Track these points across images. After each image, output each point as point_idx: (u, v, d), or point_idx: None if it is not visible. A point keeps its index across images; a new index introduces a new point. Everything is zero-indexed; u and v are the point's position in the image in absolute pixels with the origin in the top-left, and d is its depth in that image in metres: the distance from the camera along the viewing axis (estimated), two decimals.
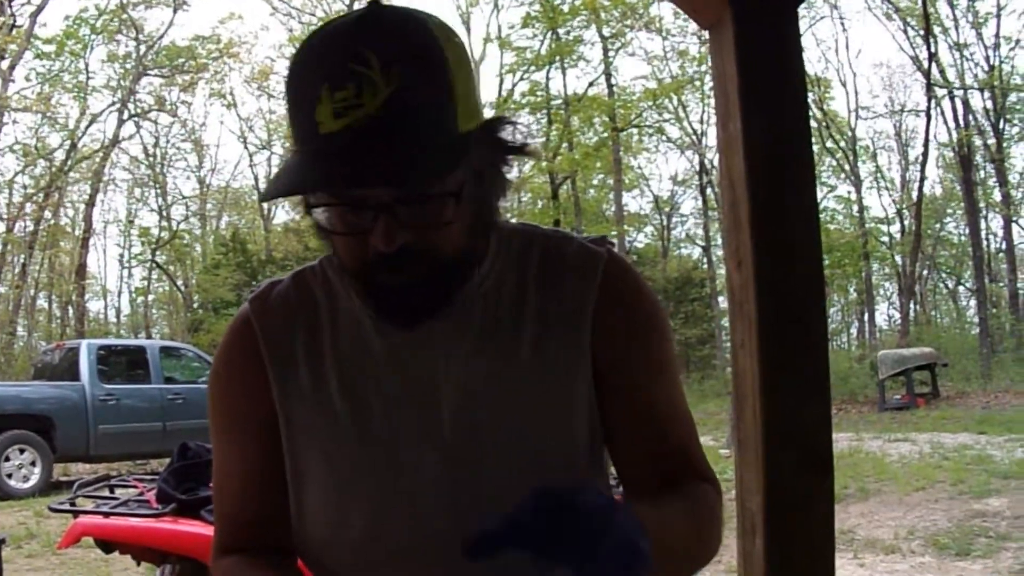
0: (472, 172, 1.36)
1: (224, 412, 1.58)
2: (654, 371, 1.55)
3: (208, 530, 5.19)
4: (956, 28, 32.90)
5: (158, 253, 37.08)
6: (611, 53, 35.57)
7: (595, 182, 39.73)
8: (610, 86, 35.79)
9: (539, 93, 36.13)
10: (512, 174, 1.45)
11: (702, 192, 37.05)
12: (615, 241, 1.70)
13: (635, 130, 37.23)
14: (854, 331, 42.89)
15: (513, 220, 1.59)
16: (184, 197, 39.82)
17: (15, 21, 29.93)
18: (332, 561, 1.50)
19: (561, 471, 1.43)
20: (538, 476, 1.36)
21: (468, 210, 1.37)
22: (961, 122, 33.37)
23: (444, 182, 1.32)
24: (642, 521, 1.20)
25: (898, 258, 36.74)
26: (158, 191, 38.28)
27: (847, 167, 36.07)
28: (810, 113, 2.17)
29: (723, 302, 32.47)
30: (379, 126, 1.26)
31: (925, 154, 33.83)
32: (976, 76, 33.20)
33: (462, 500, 1.42)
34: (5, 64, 30.09)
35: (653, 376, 1.54)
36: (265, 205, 38.63)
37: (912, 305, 36.56)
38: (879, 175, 38.58)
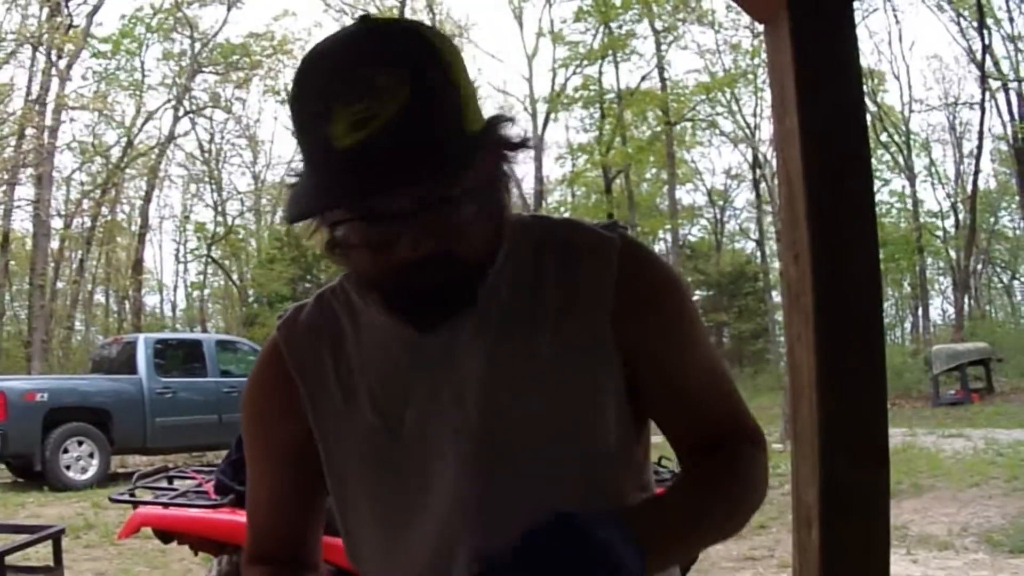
0: (483, 171, 1.38)
1: (256, 434, 1.64)
2: (683, 342, 1.56)
3: None
4: (1010, 19, 32.51)
5: (213, 248, 37.36)
6: (664, 47, 35.52)
7: (648, 176, 39.62)
8: (663, 80, 35.71)
9: (592, 87, 36.11)
10: (517, 169, 1.46)
11: (755, 186, 36.83)
12: (626, 225, 1.72)
13: (688, 124, 37.09)
14: (908, 326, 42.53)
15: (524, 214, 1.61)
16: (239, 192, 40.11)
17: (72, 21, 30.25)
18: (386, 568, 1.55)
19: (589, 459, 1.47)
20: (566, 465, 1.45)
21: (482, 210, 1.38)
22: (1016, 114, 32.98)
23: (461, 183, 1.33)
24: (642, 536, 1.35)
25: (952, 252, 36.36)
26: (213, 187, 38.60)
27: (901, 160, 35.74)
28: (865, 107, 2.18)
29: (776, 296, 32.32)
30: (397, 132, 1.26)
31: (979, 147, 33.53)
32: None
33: (496, 488, 1.45)
34: (63, 63, 30.43)
35: (683, 348, 1.55)
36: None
37: (966, 300, 36.16)
38: (933, 169, 38.21)
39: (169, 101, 34.59)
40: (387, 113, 1.26)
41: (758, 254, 38.78)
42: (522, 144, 1.43)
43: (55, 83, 30.08)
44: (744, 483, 1.56)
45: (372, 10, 34.01)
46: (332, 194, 1.30)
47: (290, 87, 1.39)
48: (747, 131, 36.34)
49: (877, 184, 34.69)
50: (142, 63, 34.14)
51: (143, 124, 34.29)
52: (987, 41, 30.65)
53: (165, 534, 5.67)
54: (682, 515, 1.46)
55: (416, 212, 1.31)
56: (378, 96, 1.26)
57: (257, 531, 1.68)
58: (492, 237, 1.46)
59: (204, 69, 35.02)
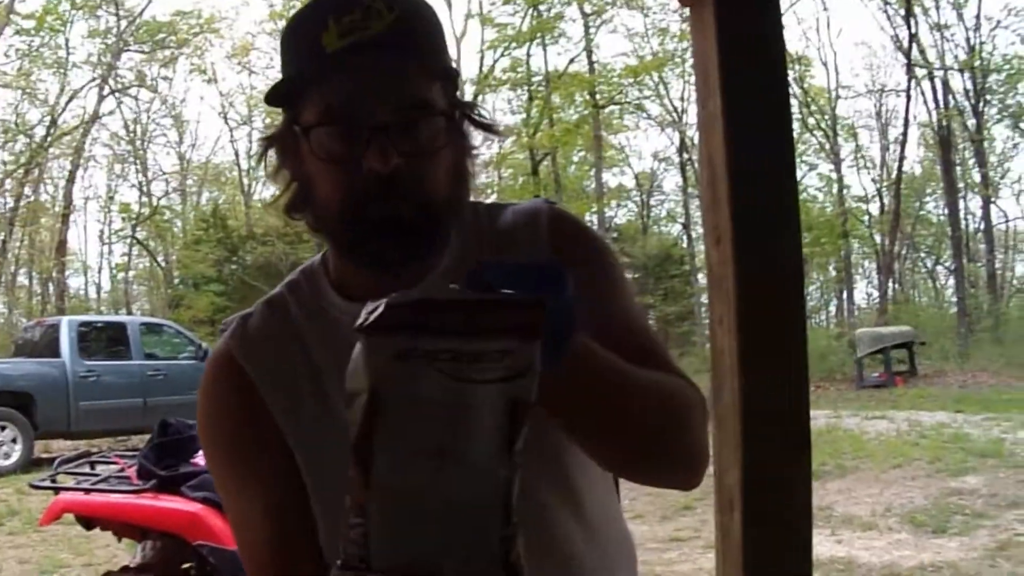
0: (456, 115, 1.43)
1: (235, 463, 1.52)
2: (615, 295, 1.55)
3: (189, 506, 5.20)
4: (937, 8, 33.00)
5: (138, 229, 36.90)
6: (592, 30, 35.57)
7: (576, 159, 39.66)
8: (591, 63, 35.77)
9: (520, 70, 36.07)
10: (479, 155, 1.50)
11: (682, 170, 37.08)
12: (555, 200, 1.72)
13: (616, 107, 37.19)
14: (833, 309, 43.03)
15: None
16: (164, 173, 39.67)
17: None
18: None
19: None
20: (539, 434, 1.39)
21: (451, 150, 1.42)
22: (941, 102, 33.45)
23: (439, 110, 1.38)
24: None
25: (877, 237, 36.84)
26: (138, 167, 38.13)
27: (828, 146, 36.15)
28: (790, 92, 2.18)
29: (702, 279, 32.56)
30: (384, 43, 1.33)
31: (905, 134, 34.03)
32: (956, 57, 33.35)
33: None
34: None
35: (614, 300, 1.54)
36: (245, 180, 38.57)
37: (891, 284, 36.71)
38: (859, 154, 38.67)
39: (94, 80, 34.13)
40: (378, 27, 1.33)
41: (685, 238, 39.01)
42: (489, 128, 1.48)
43: None
44: (679, 390, 1.47)
45: None
46: (320, 88, 1.35)
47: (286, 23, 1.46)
48: (674, 115, 36.58)
49: (803, 168, 35.25)
50: (67, 40, 33.60)
51: (67, 103, 33.83)
52: (914, 30, 31.11)
53: (87, 520, 5.60)
54: (618, 363, 1.34)
55: (393, 125, 1.34)
56: (372, 12, 1.34)
57: (256, 556, 1.50)
58: (458, 188, 1.46)
59: (130, 47, 34.57)
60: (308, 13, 1.39)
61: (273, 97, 1.43)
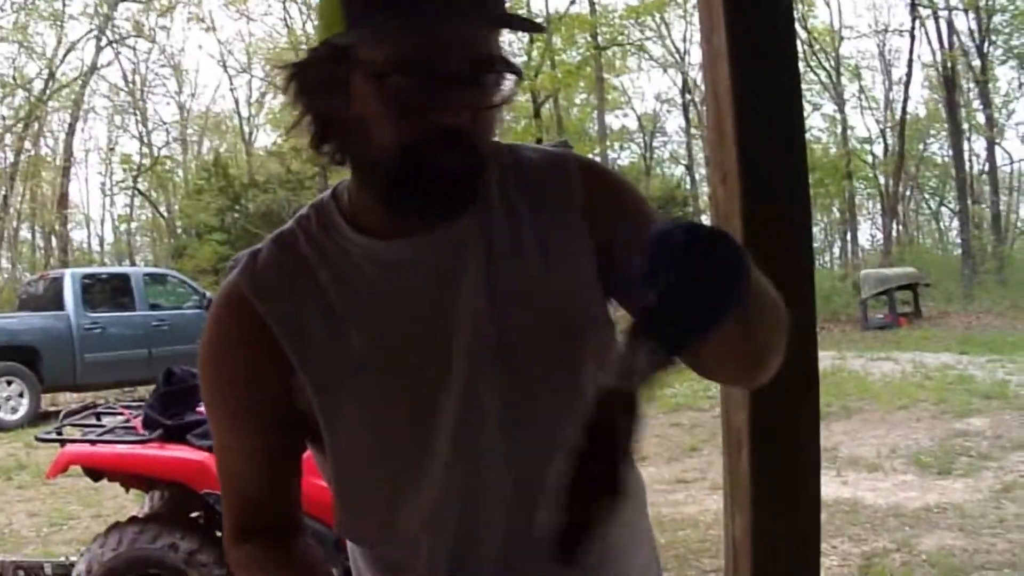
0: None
1: (227, 397, 1.51)
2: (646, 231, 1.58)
3: (195, 455, 5.20)
4: None
5: (140, 180, 36.85)
6: None
7: (578, 101, 39.39)
8: (592, 4, 35.44)
9: (520, 10, 35.78)
10: None
11: (685, 111, 36.95)
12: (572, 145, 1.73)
13: (618, 49, 36.94)
14: (837, 251, 42.96)
15: None
16: (165, 123, 39.49)
17: None
18: (384, 514, 1.47)
19: (596, 358, 1.43)
20: (579, 374, 1.43)
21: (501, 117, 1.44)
22: (945, 43, 33.21)
23: (505, 60, 1.38)
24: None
25: (881, 178, 36.71)
26: (138, 118, 37.99)
27: (831, 87, 35.94)
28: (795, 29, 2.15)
29: (706, 220, 32.46)
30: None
31: (909, 75, 33.81)
32: None
33: (519, 409, 1.43)
34: None
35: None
36: (246, 128, 38.48)
37: (895, 225, 36.62)
38: (863, 95, 38.44)
39: (91, 31, 33.89)
40: None
41: (688, 179, 38.92)
42: (521, 76, 1.47)
43: None
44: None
45: None
46: (394, 34, 1.32)
47: None
48: (677, 56, 36.33)
49: (807, 109, 35.02)
50: None
51: (65, 55, 33.57)
52: None
53: (94, 472, 5.60)
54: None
55: (471, 79, 1.34)
56: None
57: (238, 505, 1.56)
58: (493, 148, 1.47)
59: None
60: None
61: (326, 29, 1.38)
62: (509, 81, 1.40)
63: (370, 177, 1.43)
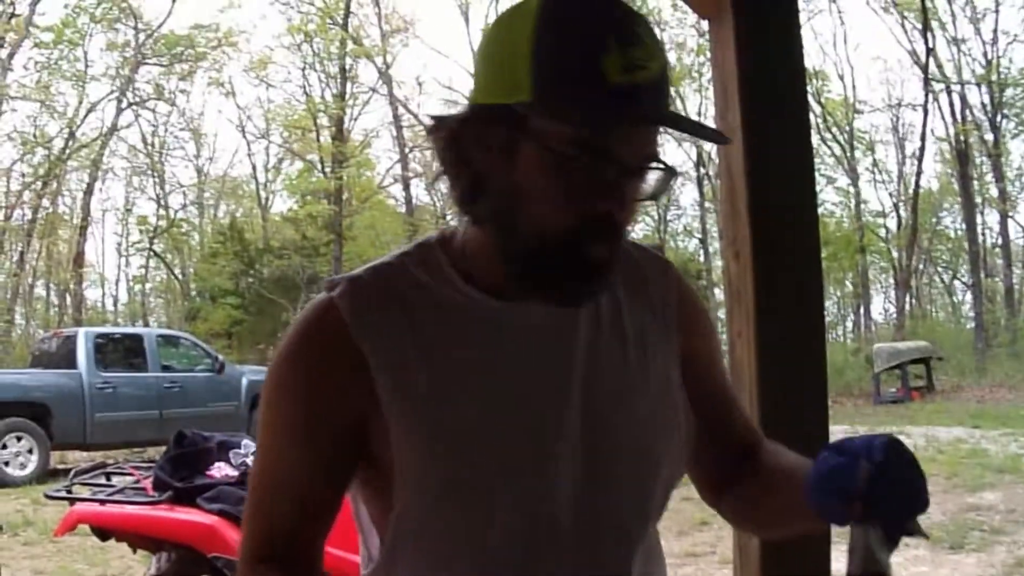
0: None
1: (296, 414, 1.43)
2: (719, 358, 1.70)
3: (204, 518, 5.20)
4: (954, 22, 32.94)
5: (156, 242, 36.98)
6: None
7: None
8: None
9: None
10: None
11: (699, 184, 37.00)
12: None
13: None
14: (850, 324, 42.83)
15: None
16: (182, 186, 39.68)
17: (14, 10, 29.83)
18: (455, 563, 1.42)
19: (674, 466, 1.52)
20: (657, 471, 1.48)
21: None
22: (958, 117, 33.35)
23: (663, 159, 1.38)
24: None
25: (894, 252, 36.71)
26: (156, 180, 38.15)
27: (845, 160, 36.05)
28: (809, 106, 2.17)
29: (719, 294, 32.48)
30: (659, 90, 1.32)
31: (922, 148, 33.89)
32: (974, 71, 33.28)
33: (597, 495, 1.43)
34: (4, 53, 30.01)
35: (719, 362, 1.69)
36: (263, 194, 38.69)
37: (908, 299, 36.55)
38: (876, 168, 38.54)
39: (112, 92, 34.17)
40: (655, 69, 1.31)
41: (702, 252, 38.93)
42: (675, 172, 1.50)
43: None
44: None
45: (319, 3, 33.82)
46: (591, 115, 1.30)
47: (538, 13, 1.33)
48: None
49: (821, 183, 35.14)
50: (85, 53, 33.66)
51: (86, 115, 33.83)
52: (931, 44, 31.01)
53: (102, 531, 5.60)
54: None
55: (641, 171, 1.36)
56: (649, 52, 1.31)
57: (267, 524, 1.45)
58: None
59: (148, 60, 34.62)
60: (585, 15, 1.32)
61: (506, 92, 1.33)
62: (659, 178, 1.40)
63: (511, 243, 1.38)
